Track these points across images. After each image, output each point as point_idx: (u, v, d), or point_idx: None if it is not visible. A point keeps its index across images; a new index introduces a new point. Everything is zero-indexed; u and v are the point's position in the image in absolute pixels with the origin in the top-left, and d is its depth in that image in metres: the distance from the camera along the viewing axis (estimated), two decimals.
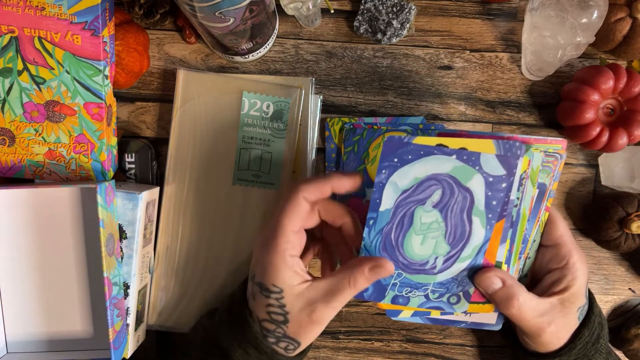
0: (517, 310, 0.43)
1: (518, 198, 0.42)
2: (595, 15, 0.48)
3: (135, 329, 0.50)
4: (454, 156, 0.40)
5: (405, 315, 0.46)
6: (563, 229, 0.46)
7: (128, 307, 0.48)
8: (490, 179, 0.40)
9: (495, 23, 0.54)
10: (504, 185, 0.40)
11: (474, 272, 0.43)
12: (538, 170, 0.43)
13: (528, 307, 0.43)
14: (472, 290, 0.44)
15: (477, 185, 0.41)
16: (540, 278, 0.46)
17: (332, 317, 0.41)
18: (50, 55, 0.47)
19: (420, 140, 0.40)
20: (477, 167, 0.41)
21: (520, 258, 0.45)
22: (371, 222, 0.42)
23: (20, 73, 0.47)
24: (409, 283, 0.44)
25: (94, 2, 0.46)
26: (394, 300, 0.45)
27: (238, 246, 0.52)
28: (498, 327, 0.47)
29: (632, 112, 0.49)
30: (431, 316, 0.46)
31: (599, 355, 0.45)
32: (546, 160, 0.43)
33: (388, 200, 0.42)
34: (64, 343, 0.48)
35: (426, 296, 0.44)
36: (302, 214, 0.41)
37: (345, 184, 0.42)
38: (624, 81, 0.49)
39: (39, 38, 0.46)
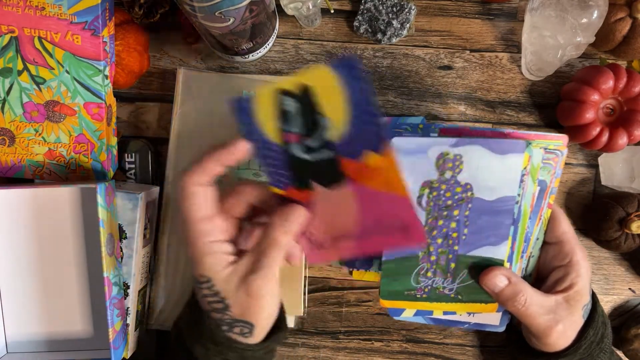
0: (523, 306, 0.42)
1: (519, 195, 0.42)
2: (595, 15, 0.48)
3: (135, 329, 0.50)
4: None
5: (408, 315, 0.46)
6: (566, 226, 0.46)
7: (128, 307, 0.48)
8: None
9: (495, 23, 0.54)
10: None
11: (479, 273, 0.43)
12: (539, 167, 0.43)
13: (534, 303, 0.42)
14: None
15: None
16: (544, 276, 0.46)
17: (271, 287, 0.38)
18: (50, 55, 0.47)
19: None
20: None
21: (522, 257, 0.45)
22: None
23: (20, 73, 0.47)
24: None
25: (94, 2, 0.46)
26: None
27: None
28: (502, 329, 0.47)
29: (632, 112, 0.49)
30: (433, 316, 0.46)
31: (603, 354, 0.45)
32: (547, 157, 0.43)
33: None
34: (64, 343, 0.48)
35: None
36: (202, 200, 0.38)
37: (230, 156, 0.39)
38: (624, 81, 0.49)
39: (39, 38, 0.46)
